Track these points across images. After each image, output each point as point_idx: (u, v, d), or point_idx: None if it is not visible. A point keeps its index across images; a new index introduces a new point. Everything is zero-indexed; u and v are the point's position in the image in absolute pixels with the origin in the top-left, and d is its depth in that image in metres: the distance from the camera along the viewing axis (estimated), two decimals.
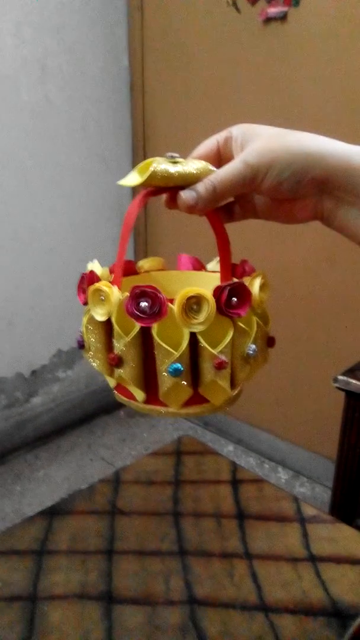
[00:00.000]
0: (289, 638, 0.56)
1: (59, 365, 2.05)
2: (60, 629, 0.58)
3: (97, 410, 2.17)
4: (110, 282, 0.39)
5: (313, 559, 0.67)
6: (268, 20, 1.52)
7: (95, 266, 0.43)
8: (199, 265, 0.50)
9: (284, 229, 1.61)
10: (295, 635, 0.57)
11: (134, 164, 2.05)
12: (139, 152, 2.02)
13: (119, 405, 2.14)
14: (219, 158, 0.41)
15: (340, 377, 1.09)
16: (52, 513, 0.75)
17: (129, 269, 0.48)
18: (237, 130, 0.39)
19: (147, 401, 0.39)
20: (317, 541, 0.69)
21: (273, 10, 1.49)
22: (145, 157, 1.99)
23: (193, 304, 0.36)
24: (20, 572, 0.65)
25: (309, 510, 0.75)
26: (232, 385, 0.39)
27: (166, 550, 0.68)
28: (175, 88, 1.83)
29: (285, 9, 1.48)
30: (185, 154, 0.41)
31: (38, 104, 1.72)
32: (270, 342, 0.43)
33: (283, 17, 1.49)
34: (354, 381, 1.08)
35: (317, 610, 0.60)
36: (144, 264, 0.50)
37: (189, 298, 0.36)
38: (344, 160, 0.35)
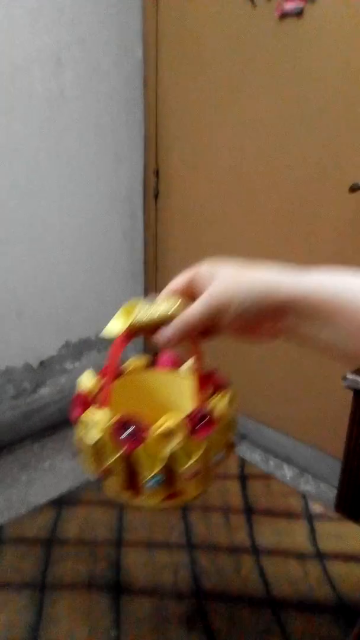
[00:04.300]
0: (295, 633, 0.57)
1: (67, 357, 2.06)
2: (68, 618, 0.58)
3: None
4: (99, 398, 0.48)
5: (320, 555, 0.67)
6: (284, 15, 1.51)
7: (88, 378, 0.51)
8: (179, 363, 0.58)
9: (301, 228, 1.60)
10: (301, 631, 0.57)
11: (146, 158, 2.05)
12: (151, 146, 2.02)
13: None
14: (191, 291, 0.46)
15: (350, 376, 1.09)
16: (61, 503, 0.76)
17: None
18: (203, 269, 0.45)
19: (132, 496, 0.47)
20: (325, 538, 0.70)
21: (289, 6, 1.48)
22: (157, 152, 2.00)
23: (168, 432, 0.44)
24: (29, 560, 0.66)
25: (316, 508, 0.75)
26: (203, 482, 0.47)
27: (174, 543, 0.69)
28: (189, 82, 1.82)
29: (301, 4, 1.47)
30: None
31: (52, 95, 1.72)
32: (231, 446, 0.50)
33: (299, 13, 1.48)
34: None
35: (323, 606, 0.60)
36: (129, 364, 0.58)
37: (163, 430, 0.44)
38: (295, 285, 0.41)
